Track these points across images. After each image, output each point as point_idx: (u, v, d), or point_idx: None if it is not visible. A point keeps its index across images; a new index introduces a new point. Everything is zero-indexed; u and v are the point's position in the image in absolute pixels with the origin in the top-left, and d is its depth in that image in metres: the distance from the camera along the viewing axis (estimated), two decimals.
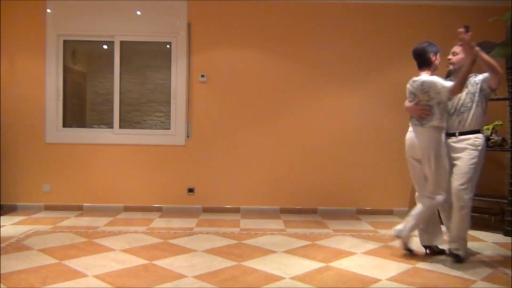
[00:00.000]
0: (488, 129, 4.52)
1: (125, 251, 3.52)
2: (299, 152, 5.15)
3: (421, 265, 3.28)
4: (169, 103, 5.18)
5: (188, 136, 5.12)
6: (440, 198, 3.41)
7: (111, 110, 5.20)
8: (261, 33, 5.11)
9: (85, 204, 5.10)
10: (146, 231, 4.17)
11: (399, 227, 3.52)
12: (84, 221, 4.59)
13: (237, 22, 5.11)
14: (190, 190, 5.13)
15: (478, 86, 3.50)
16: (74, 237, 3.92)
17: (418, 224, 3.48)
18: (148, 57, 5.60)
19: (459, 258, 3.39)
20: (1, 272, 2.95)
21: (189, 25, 5.09)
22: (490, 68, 3.41)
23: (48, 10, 5.05)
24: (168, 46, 5.18)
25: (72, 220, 4.61)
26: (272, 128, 5.13)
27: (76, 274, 2.96)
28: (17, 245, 3.62)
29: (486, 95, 3.52)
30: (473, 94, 3.50)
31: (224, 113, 5.13)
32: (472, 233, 4.31)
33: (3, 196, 4.99)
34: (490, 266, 3.29)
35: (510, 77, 4.32)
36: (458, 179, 3.41)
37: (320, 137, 5.14)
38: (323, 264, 3.25)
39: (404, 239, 3.52)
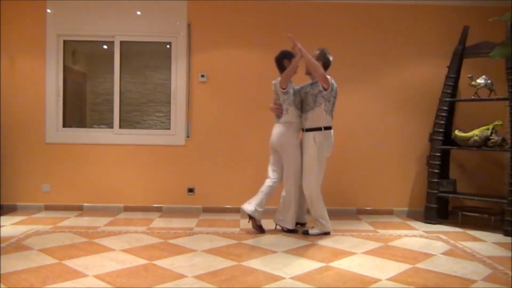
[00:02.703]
0: (488, 129, 4.52)
1: (125, 251, 3.52)
2: None
3: (421, 265, 3.28)
4: (169, 103, 5.18)
5: (188, 136, 5.12)
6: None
7: (111, 110, 5.20)
8: (261, 33, 5.11)
9: (85, 204, 5.10)
10: (146, 231, 4.17)
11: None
12: (84, 221, 4.59)
13: (237, 22, 5.11)
14: (190, 190, 5.13)
15: (318, 88, 3.99)
16: (74, 237, 3.92)
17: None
18: (148, 57, 5.61)
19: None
20: (1, 272, 2.95)
21: (189, 25, 5.09)
22: (311, 68, 3.96)
23: (48, 10, 5.05)
24: (168, 46, 5.18)
25: (72, 220, 4.61)
26: (272, 128, 5.12)
27: (76, 274, 2.96)
28: (17, 245, 3.62)
29: (325, 96, 3.98)
30: (315, 95, 4.02)
31: (224, 113, 5.13)
32: (472, 233, 4.32)
33: (3, 196, 4.99)
34: (490, 266, 3.29)
35: (510, 77, 4.32)
36: (304, 173, 4.06)
37: None
38: (323, 264, 3.25)
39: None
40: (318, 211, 4.07)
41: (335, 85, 4.02)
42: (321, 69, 3.94)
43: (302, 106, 4.17)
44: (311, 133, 4.03)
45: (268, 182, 4.18)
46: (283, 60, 4.13)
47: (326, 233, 4.11)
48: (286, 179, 4.13)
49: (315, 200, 4.05)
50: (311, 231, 4.11)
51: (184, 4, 5.08)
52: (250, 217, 4.14)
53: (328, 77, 3.96)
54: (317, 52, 4.11)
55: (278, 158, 4.21)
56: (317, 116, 4.02)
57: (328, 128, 4.04)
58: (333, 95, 4.02)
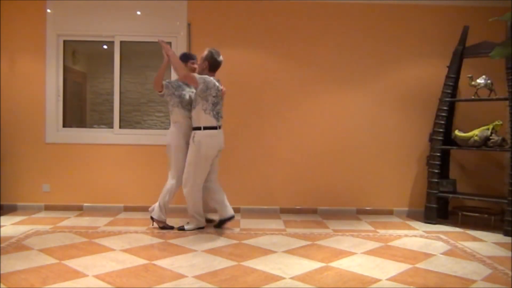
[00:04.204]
0: (488, 129, 4.52)
1: (125, 251, 3.52)
2: (299, 152, 5.15)
3: (421, 265, 3.28)
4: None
5: None
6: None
7: (111, 110, 5.20)
8: (261, 33, 5.11)
9: (85, 204, 5.10)
10: (146, 231, 4.17)
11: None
12: (84, 221, 4.59)
13: (237, 22, 5.11)
14: None
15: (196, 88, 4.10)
16: (74, 237, 3.92)
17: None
18: (148, 57, 5.61)
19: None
20: (1, 272, 2.95)
21: (189, 25, 5.09)
22: (174, 68, 4.19)
23: (48, 10, 5.05)
24: None
25: (72, 220, 4.61)
26: (272, 128, 5.13)
27: (76, 274, 2.96)
28: (17, 245, 3.62)
29: (201, 95, 4.04)
30: (195, 95, 4.13)
31: (224, 113, 5.11)
32: (472, 233, 4.32)
33: (3, 196, 4.99)
34: (490, 266, 3.29)
35: (510, 77, 4.32)
36: (184, 170, 4.16)
37: (320, 137, 5.14)
38: (323, 264, 3.25)
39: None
40: (195, 207, 4.19)
41: (211, 84, 4.05)
42: (183, 70, 4.06)
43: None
44: (192, 132, 4.14)
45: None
46: (187, 62, 4.21)
47: (200, 228, 4.27)
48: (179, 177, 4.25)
49: (191, 197, 4.16)
50: (187, 227, 4.24)
51: (184, 4, 5.08)
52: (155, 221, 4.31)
53: (198, 76, 4.04)
54: (205, 52, 4.19)
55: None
56: (196, 115, 4.11)
57: (209, 128, 4.10)
58: (211, 94, 4.06)
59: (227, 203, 4.27)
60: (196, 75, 4.06)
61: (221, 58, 4.19)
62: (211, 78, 4.10)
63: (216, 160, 4.30)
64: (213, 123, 4.11)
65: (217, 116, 4.15)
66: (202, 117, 4.08)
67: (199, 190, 4.17)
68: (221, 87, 4.19)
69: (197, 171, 4.11)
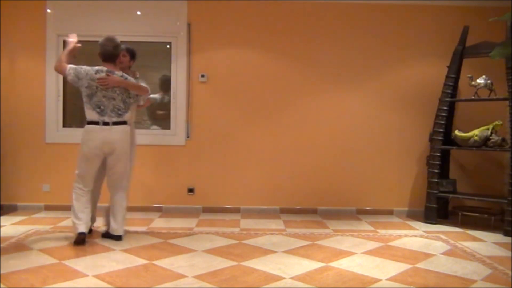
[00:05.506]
0: (488, 129, 4.52)
1: (125, 251, 3.52)
2: (299, 152, 5.15)
3: (421, 265, 3.28)
4: (169, 103, 5.18)
5: (188, 136, 5.12)
6: None
7: None
8: (261, 33, 5.11)
9: None
10: (146, 231, 4.17)
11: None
12: None
13: (237, 22, 5.11)
14: (190, 190, 5.13)
15: None
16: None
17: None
18: (148, 57, 5.60)
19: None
20: (1, 272, 2.95)
21: (189, 25, 5.09)
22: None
23: (48, 10, 5.05)
24: (168, 46, 5.18)
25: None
26: (272, 128, 5.13)
27: (76, 274, 2.96)
28: (17, 245, 3.62)
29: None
30: None
31: (224, 113, 5.13)
32: (472, 233, 4.32)
33: (3, 196, 4.99)
34: (490, 266, 3.29)
35: (510, 77, 4.32)
36: None
37: (320, 137, 5.14)
38: (323, 264, 3.25)
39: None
40: (72, 210, 3.73)
41: (82, 74, 3.72)
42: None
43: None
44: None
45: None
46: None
47: (78, 234, 3.66)
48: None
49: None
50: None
51: (184, 4, 5.08)
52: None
53: (69, 66, 3.73)
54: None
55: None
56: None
57: (88, 122, 3.69)
58: (83, 84, 3.71)
59: (112, 219, 3.82)
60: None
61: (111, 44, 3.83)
62: (85, 67, 3.75)
63: (110, 165, 3.74)
64: (94, 117, 3.66)
65: (97, 109, 3.66)
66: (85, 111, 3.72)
67: (75, 192, 3.69)
68: (96, 76, 3.70)
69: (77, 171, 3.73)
